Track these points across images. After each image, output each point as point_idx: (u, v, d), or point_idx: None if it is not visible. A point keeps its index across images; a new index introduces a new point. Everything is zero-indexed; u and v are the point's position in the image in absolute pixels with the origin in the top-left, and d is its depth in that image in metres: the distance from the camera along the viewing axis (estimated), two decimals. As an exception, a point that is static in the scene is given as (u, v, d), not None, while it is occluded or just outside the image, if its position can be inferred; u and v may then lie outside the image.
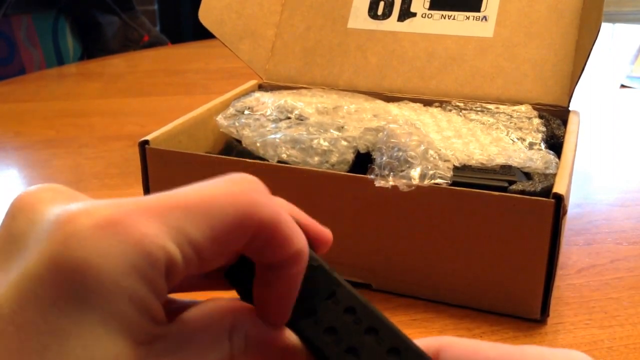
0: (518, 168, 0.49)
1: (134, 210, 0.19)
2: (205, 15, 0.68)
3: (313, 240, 0.25)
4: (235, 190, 0.21)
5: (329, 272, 0.24)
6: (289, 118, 0.56)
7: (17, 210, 0.21)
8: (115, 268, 0.18)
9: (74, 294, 0.18)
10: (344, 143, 0.51)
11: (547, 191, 0.44)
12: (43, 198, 0.20)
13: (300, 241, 0.22)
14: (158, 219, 0.19)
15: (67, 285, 0.18)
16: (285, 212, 0.22)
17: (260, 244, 0.21)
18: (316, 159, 0.50)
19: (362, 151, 0.51)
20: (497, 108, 0.59)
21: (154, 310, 0.20)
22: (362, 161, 0.50)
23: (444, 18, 0.67)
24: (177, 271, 0.20)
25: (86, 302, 0.18)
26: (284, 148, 0.51)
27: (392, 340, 0.23)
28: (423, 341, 0.24)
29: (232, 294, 0.24)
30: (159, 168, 0.52)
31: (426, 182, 0.45)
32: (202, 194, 0.20)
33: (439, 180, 0.46)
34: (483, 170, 0.49)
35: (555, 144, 0.55)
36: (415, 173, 0.46)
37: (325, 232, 0.25)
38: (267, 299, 0.23)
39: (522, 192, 0.45)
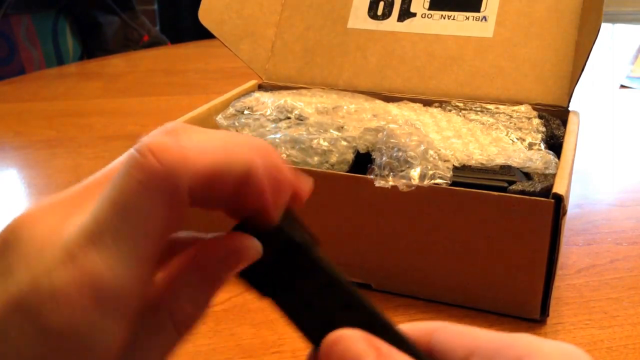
0: (518, 168, 0.49)
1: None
2: (205, 15, 0.68)
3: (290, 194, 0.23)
4: (144, 178, 0.19)
5: (306, 248, 0.24)
6: (289, 118, 0.56)
7: (10, 235, 0.20)
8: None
9: None
10: (344, 143, 0.51)
11: (546, 191, 0.44)
12: (36, 221, 0.20)
13: (239, 159, 0.20)
14: (118, 260, 0.19)
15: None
16: (203, 150, 0.20)
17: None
18: (316, 159, 0.50)
19: (362, 151, 0.51)
20: (496, 108, 0.59)
21: None
22: (362, 161, 0.50)
23: (444, 18, 0.67)
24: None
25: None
26: (283, 148, 0.51)
27: (366, 315, 0.23)
28: (418, 325, 0.24)
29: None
30: (159, 168, 0.52)
31: (426, 182, 0.45)
32: (122, 204, 0.19)
33: (438, 181, 0.46)
34: (483, 170, 0.49)
35: (555, 144, 0.55)
36: (415, 173, 0.46)
37: (302, 184, 0.24)
38: (249, 211, 0.22)
39: (522, 192, 0.45)
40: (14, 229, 0.20)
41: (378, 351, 0.22)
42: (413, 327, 0.24)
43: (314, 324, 0.24)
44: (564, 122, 0.57)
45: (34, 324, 0.18)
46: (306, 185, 0.24)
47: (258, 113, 0.57)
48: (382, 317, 0.23)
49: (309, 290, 0.24)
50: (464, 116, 0.59)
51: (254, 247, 0.22)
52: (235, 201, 0.22)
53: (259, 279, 0.24)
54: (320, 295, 0.24)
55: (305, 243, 0.24)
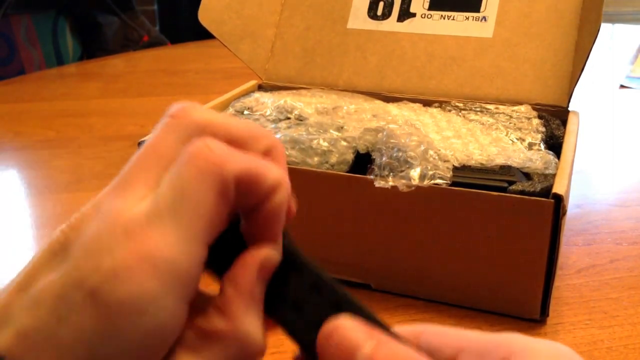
0: (517, 168, 0.49)
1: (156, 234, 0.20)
2: (205, 16, 0.68)
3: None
4: (202, 166, 0.21)
5: (294, 251, 0.25)
6: (289, 118, 0.56)
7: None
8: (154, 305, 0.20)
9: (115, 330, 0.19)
10: (344, 143, 0.51)
11: (546, 191, 0.44)
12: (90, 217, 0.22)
13: (273, 173, 0.23)
14: (176, 237, 0.20)
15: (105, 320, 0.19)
16: (247, 157, 0.22)
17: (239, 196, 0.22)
18: (316, 159, 0.50)
19: (361, 151, 0.51)
20: (496, 108, 0.59)
21: None
22: (362, 161, 0.50)
23: (444, 18, 0.67)
24: None
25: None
26: (283, 148, 0.51)
27: (357, 312, 0.23)
28: (404, 328, 0.24)
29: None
30: (159, 168, 0.52)
31: (426, 182, 0.45)
32: (181, 187, 0.21)
33: (438, 181, 0.46)
34: (482, 170, 0.49)
35: (554, 144, 0.55)
36: (414, 173, 0.46)
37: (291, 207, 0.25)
38: (256, 230, 0.24)
39: (522, 192, 0.45)
40: (73, 227, 0.22)
41: (377, 339, 0.21)
42: (399, 330, 0.24)
43: (304, 327, 0.23)
44: (564, 122, 0.57)
45: (95, 301, 0.19)
46: (294, 207, 0.26)
47: (258, 113, 0.57)
48: (373, 315, 0.23)
49: (297, 292, 0.24)
50: (464, 116, 0.59)
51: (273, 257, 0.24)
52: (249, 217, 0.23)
53: None
54: (309, 296, 0.24)
55: (291, 246, 0.24)
